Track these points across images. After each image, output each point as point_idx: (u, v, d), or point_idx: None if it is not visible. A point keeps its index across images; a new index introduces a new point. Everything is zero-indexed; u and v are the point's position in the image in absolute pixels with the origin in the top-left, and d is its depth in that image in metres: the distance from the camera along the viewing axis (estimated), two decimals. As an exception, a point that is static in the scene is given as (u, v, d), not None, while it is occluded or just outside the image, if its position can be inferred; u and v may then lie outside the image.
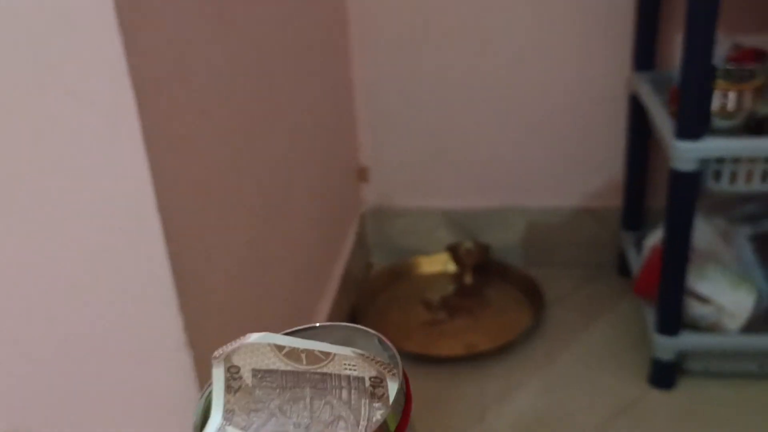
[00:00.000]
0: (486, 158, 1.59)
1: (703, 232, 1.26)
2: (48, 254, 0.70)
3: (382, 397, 0.32)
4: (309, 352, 0.32)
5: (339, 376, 0.32)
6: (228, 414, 0.31)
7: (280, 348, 0.32)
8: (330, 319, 1.27)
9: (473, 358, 1.35)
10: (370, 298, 1.56)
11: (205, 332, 0.76)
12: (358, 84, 1.56)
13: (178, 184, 0.72)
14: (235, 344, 0.32)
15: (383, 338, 0.33)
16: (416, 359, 1.37)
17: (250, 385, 0.31)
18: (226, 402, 0.31)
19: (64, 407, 0.78)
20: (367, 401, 0.32)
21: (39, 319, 0.73)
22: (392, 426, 0.30)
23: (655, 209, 1.50)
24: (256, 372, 0.32)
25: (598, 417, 1.19)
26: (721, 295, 1.19)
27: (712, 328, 1.21)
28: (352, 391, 0.32)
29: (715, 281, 1.20)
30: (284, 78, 1.10)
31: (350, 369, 0.32)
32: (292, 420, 0.31)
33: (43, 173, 0.66)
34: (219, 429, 0.31)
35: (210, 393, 0.32)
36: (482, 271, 1.62)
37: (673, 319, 1.19)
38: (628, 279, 1.51)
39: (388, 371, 0.32)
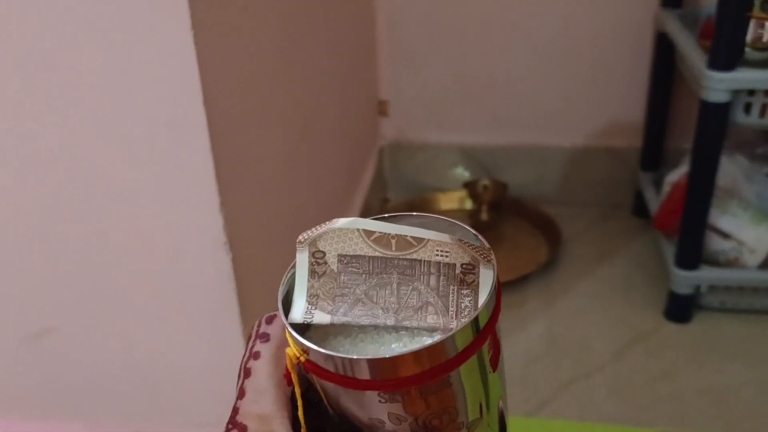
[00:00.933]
0: (506, 93, 1.59)
1: (726, 170, 1.26)
2: (92, 147, 0.70)
3: (471, 284, 0.30)
4: (400, 238, 0.30)
5: (429, 262, 0.30)
6: (312, 299, 0.30)
7: (368, 233, 0.30)
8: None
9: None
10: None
11: (243, 235, 0.77)
12: (380, 16, 1.54)
13: (225, 81, 0.72)
14: (321, 229, 0.30)
15: (478, 235, 0.31)
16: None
17: (336, 270, 0.30)
18: (310, 287, 0.30)
19: (99, 304, 0.79)
20: (456, 288, 0.30)
21: (77, 213, 0.74)
22: (487, 312, 0.29)
23: (675, 150, 1.50)
24: (342, 257, 0.30)
25: (614, 345, 1.21)
26: (742, 230, 1.20)
27: (731, 263, 1.23)
28: (441, 277, 0.30)
29: (736, 217, 1.21)
30: (312, 8, 1.09)
31: (442, 255, 0.30)
32: (379, 305, 0.30)
33: (85, 66, 0.66)
34: (305, 313, 0.30)
35: (291, 277, 0.31)
36: (498, 208, 1.62)
37: (693, 254, 1.20)
38: (644, 219, 1.51)
39: (483, 257, 0.30)
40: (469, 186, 1.64)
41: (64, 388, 0.87)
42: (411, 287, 0.30)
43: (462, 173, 1.68)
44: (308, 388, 0.31)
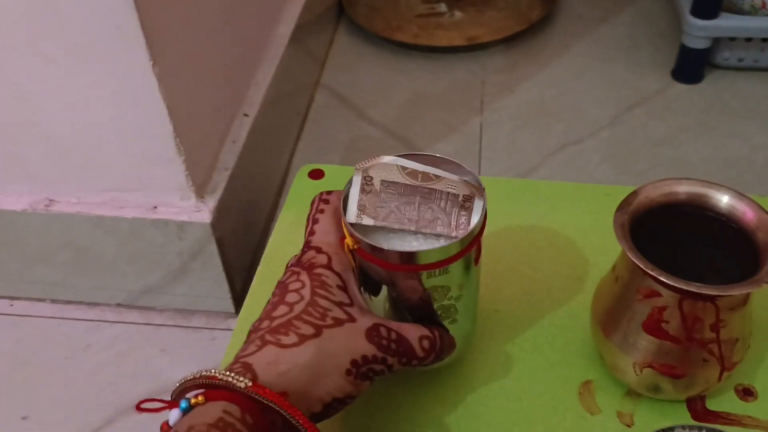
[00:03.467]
0: None
1: None
2: None
3: (468, 209, 0.44)
4: (425, 174, 0.44)
5: (441, 191, 0.44)
6: (361, 208, 0.44)
7: (403, 168, 0.44)
8: (309, 6, 1.09)
9: (474, 49, 1.20)
10: (360, -11, 1.37)
11: None
12: None
13: None
14: (372, 161, 0.44)
15: (475, 174, 0.45)
16: (409, 51, 1.21)
17: (378, 190, 0.44)
18: (360, 200, 0.44)
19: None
20: (457, 210, 0.44)
21: None
22: (475, 231, 0.44)
23: None
24: (383, 182, 0.44)
25: (613, 109, 1.06)
26: (775, -31, 1.01)
27: (756, 11, 1.04)
28: (448, 203, 0.44)
29: (769, -48, 1.01)
30: None
31: (451, 188, 0.44)
32: (405, 216, 0.44)
33: None
34: (356, 217, 0.44)
35: (349, 191, 0.45)
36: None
37: (712, -2, 1.02)
38: (657, -29, 1.30)
39: (479, 193, 0.44)
40: (456, -63, 1.41)
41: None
42: (428, 207, 0.44)
43: None
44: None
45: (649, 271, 0.44)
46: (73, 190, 0.74)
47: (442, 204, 0.44)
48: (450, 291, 0.46)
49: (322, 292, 0.42)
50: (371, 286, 0.46)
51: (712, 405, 0.51)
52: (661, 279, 0.43)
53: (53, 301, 0.82)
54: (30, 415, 0.72)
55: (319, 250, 0.45)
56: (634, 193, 0.49)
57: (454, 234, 0.44)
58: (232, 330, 0.57)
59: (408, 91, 1.13)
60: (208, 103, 0.76)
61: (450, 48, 1.21)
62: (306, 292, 0.41)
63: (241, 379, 0.36)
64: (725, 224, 0.47)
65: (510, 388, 0.53)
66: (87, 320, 0.80)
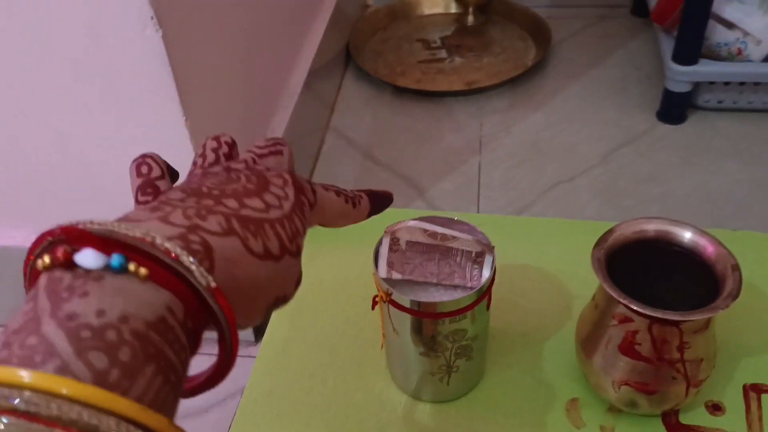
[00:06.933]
0: None
1: (737, -48, 1.13)
2: None
3: (480, 263, 0.51)
4: (443, 234, 0.51)
5: (457, 249, 0.51)
6: (390, 264, 0.51)
7: (425, 230, 0.51)
8: (320, 56, 1.17)
9: (473, 93, 1.28)
10: (366, 36, 1.45)
11: (173, 8, 0.67)
12: None
13: None
14: (398, 225, 0.51)
15: (483, 233, 0.53)
16: (412, 95, 1.29)
17: (404, 249, 0.51)
18: (389, 258, 0.51)
19: (20, 98, 0.71)
20: (471, 264, 0.51)
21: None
22: (487, 283, 0.51)
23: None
24: (408, 242, 0.51)
25: (603, 148, 1.13)
26: (749, 19, 1.09)
27: (733, 57, 1.12)
28: (463, 258, 0.51)
29: (744, 4, 1.09)
30: None
31: (465, 246, 0.51)
32: (427, 270, 0.51)
33: None
34: (387, 272, 0.51)
35: (379, 249, 0.52)
36: (486, 10, 1.49)
37: (692, 46, 1.10)
38: (643, 18, 1.39)
39: (488, 250, 0.51)
40: (455, -13, 1.50)
41: (2, 195, 0.80)
42: (446, 262, 0.51)
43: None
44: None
45: (622, 300, 0.51)
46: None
47: (459, 260, 0.51)
48: (467, 333, 0.53)
49: (299, 213, 0.34)
50: (399, 328, 0.54)
51: (685, 419, 0.58)
52: (632, 306, 0.50)
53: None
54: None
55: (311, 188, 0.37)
56: (610, 231, 0.56)
57: (469, 285, 0.51)
58: (252, 357, 0.63)
59: (411, 133, 1.21)
60: (230, 150, 0.84)
61: (450, 92, 1.29)
62: (287, 205, 0.34)
63: (205, 274, 0.27)
64: (689, 257, 0.54)
65: (505, 406, 0.59)
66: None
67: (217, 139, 0.39)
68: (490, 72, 1.33)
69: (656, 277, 0.55)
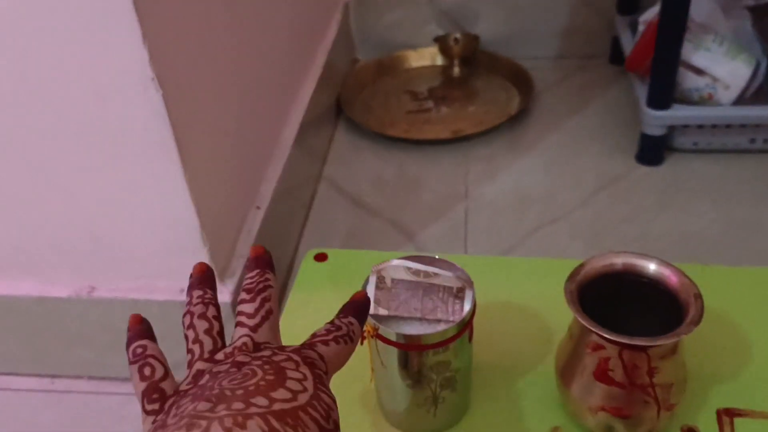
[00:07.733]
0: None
1: (703, 5, 1.20)
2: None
3: (461, 298, 0.56)
4: (425, 272, 0.56)
5: (439, 286, 0.55)
6: (377, 301, 0.55)
7: (409, 268, 0.56)
8: (311, 110, 1.23)
9: (458, 141, 1.33)
10: (356, 90, 1.52)
11: (173, 70, 0.72)
12: None
13: None
14: (384, 265, 0.56)
15: (463, 270, 0.58)
16: (401, 144, 1.34)
17: (390, 286, 0.55)
18: (376, 295, 0.55)
19: (28, 155, 0.76)
20: (452, 299, 0.55)
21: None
22: (468, 316, 0.56)
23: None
24: (393, 280, 0.55)
25: (583, 192, 1.18)
26: (717, 65, 1.15)
27: (704, 101, 1.18)
28: (445, 294, 0.55)
29: (711, 52, 1.15)
30: None
31: (446, 282, 0.55)
32: (412, 306, 0.55)
33: None
34: (374, 309, 0.55)
35: (364, 287, 0.56)
36: (471, 62, 1.56)
37: (664, 92, 1.16)
38: (620, 66, 1.46)
39: (468, 285, 0.56)
40: (440, 40, 1.57)
41: (9, 246, 0.84)
42: (429, 298, 0.55)
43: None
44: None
45: (594, 329, 0.54)
46: (112, 279, 0.85)
47: (441, 295, 0.55)
48: (451, 365, 0.57)
49: (322, 388, 0.35)
50: (387, 361, 0.57)
51: (661, 443, 0.61)
52: (603, 335, 0.54)
53: (90, 377, 0.92)
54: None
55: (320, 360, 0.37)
56: (581, 265, 0.60)
57: (451, 318, 0.55)
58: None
59: (400, 181, 1.26)
60: (227, 200, 0.88)
61: (437, 140, 1.34)
62: (309, 386, 0.34)
63: None
64: (655, 287, 0.58)
65: (491, 434, 0.63)
66: (122, 394, 0.90)
67: (204, 316, 0.40)
68: (474, 121, 1.39)
69: (625, 306, 0.59)
